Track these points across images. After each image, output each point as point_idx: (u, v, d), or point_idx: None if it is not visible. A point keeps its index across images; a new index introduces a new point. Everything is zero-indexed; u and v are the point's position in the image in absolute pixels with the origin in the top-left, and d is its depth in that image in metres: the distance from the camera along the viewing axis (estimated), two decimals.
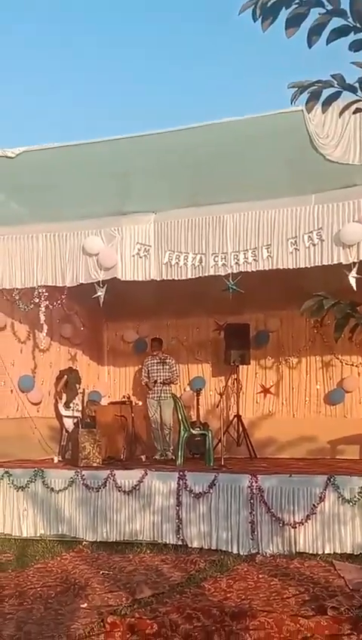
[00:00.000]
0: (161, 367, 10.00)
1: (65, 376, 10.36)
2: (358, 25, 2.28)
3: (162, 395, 9.87)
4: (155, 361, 10.09)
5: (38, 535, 7.33)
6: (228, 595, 5.09)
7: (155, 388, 9.89)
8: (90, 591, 5.32)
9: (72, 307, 10.61)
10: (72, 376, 10.44)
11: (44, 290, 8.05)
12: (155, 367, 10.03)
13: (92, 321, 11.62)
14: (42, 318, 8.19)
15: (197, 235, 7.29)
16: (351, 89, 2.62)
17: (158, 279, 7.40)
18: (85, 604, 4.97)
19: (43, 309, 8.14)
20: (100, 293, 7.50)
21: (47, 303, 8.16)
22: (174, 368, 10.14)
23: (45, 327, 8.32)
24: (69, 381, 10.32)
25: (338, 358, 10.79)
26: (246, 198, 7.12)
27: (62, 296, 8.19)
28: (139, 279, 7.45)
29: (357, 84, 2.61)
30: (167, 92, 33.52)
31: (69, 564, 6.29)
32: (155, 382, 9.90)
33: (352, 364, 10.73)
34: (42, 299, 8.09)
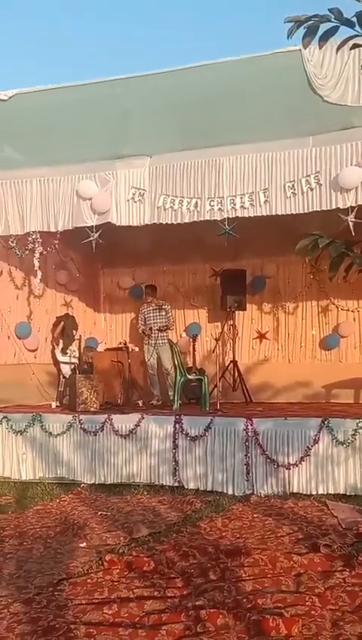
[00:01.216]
0: (158, 314, 9.96)
1: (62, 322, 10.39)
2: None
3: (159, 341, 9.86)
4: (151, 307, 10.05)
5: (37, 478, 7.45)
6: (224, 533, 5.21)
7: (152, 335, 9.89)
8: (89, 531, 5.43)
9: (68, 254, 10.54)
10: (69, 323, 10.46)
11: (38, 236, 7.97)
12: (151, 315, 9.99)
13: (88, 268, 11.57)
14: (36, 264, 8.11)
15: (192, 179, 7.19)
16: (349, 24, 2.55)
17: (151, 223, 7.32)
18: (84, 544, 5.08)
19: (37, 255, 8.07)
20: (93, 237, 7.43)
21: (41, 248, 8.09)
22: (170, 314, 10.12)
23: (39, 273, 8.26)
24: (65, 327, 10.35)
25: (334, 304, 10.81)
26: (242, 140, 7.00)
27: (55, 242, 8.10)
28: (133, 224, 7.36)
29: (354, 19, 2.54)
30: (163, 31, 32.64)
31: (68, 506, 6.41)
32: (151, 329, 9.89)
33: (348, 310, 10.76)
34: (36, 245, 8.02)
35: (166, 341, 9.82)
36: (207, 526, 5.43)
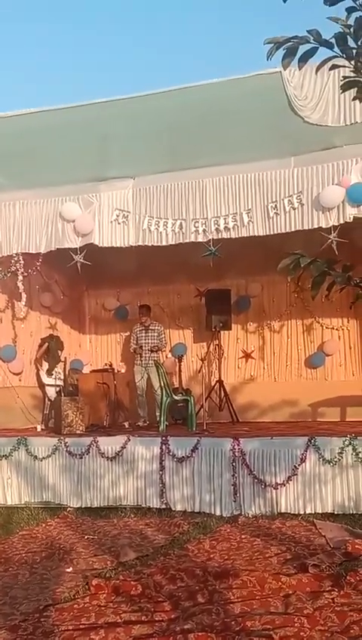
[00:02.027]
0: (148, 334, 10.00)
1: (47, 343, 10.31)
2: None
3: (149, 362, 9.85)
4: (142, 327, 10.08)
5: (23, 502, 7.35)
6: (212, 555, 5.16)
7: (143, 355, 9.88)
8: (75, 555, 5.36)
9: (52, 276, 10.52)
10: (53, 343, 10.38)
11: (20, 259, 7.96)
12: (143, 334, 10.03)
13: (72, 290, 11.55)
14: (21, 287, 8.10)
15: (176, 201, 7.24)
16: (328, 45, 2.58)
17: (135, 245, 7.34)
18: (70, 569, 5.01)
19: (21, 277, 8.05)
20: (77, 259, 7.43)
21: (22, 271, 8.06)
22: (162, 335, 10.14)
23: (24, 295, 8.24)
24: (50, 348, 10.27)
25: (318, 322, 10.86)
26: (225, 161, 7.07)
27: (38, 263, 8.08)
28: (116, 245, 7.39)
29: (333, 40, 2.57)
30: (142, 55, 33.01)
31: (54, 530, 6.33)
32: (142, 348, 9.89)
33: (332, 328, 10.81)
34: (19, 267, 8.00)
35: (153, 362, 9.81)
36: (195, 548, 5.38)
